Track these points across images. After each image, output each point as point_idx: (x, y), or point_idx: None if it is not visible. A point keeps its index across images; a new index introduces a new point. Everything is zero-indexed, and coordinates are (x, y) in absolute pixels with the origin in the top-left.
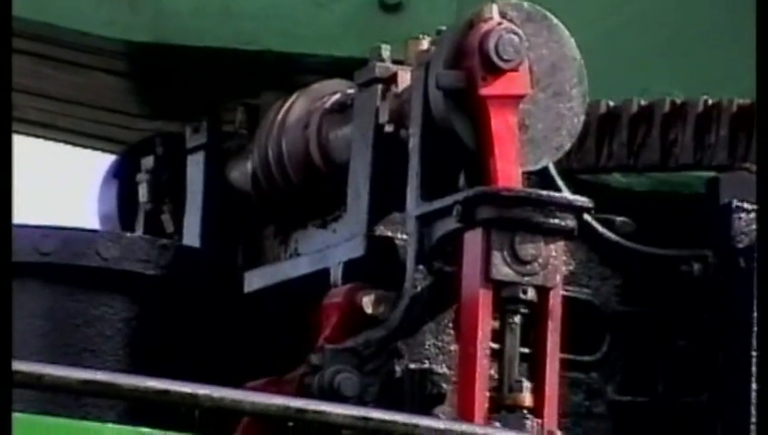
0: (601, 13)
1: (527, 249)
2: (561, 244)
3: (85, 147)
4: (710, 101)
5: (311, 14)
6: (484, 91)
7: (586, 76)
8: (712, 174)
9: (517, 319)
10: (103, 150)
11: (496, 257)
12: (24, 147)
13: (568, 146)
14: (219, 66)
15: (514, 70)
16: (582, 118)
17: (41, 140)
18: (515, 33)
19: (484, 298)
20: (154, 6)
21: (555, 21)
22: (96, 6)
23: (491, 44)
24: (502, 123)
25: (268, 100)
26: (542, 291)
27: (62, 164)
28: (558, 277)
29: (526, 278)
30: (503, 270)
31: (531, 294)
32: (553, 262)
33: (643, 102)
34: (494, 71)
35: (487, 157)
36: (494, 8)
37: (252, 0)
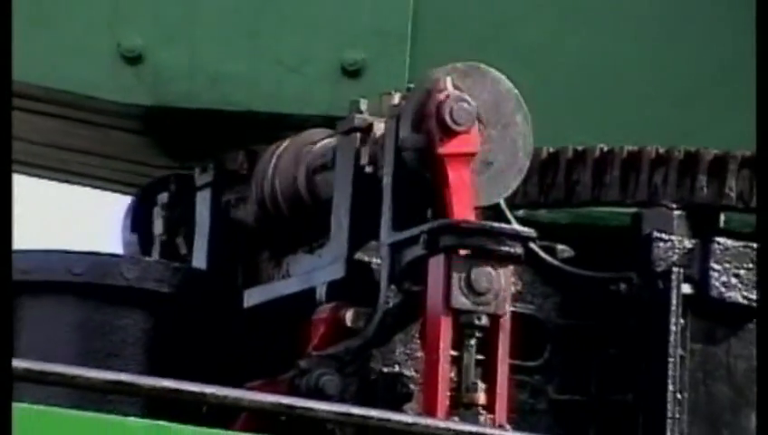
0: (526, 63)
1: (481, 281)
2: (510, 268)
3: (112, 191)
4: (605, 148)
5: (285, 78)
6: (441, 151)
7: (522, 100)
8: (633, 210)
9: (473, 341)
10: (125, 194)
11: (455, 285)
12: (62, 191)
13: (524, 172)
14: (214, 124)
15: (467, 132)
16: (531, 136)
17: (74, 186)
18: (466, 101)
19: (446, 322)
20: (153, 73)
21: (486, 68)
22: (106, 75)
23: (446, 111)
24: (457, 177)
25: (263, 146)
26: (494, 318)
27: (95, 203)
28: (507, 305)
29: (481, 308)
30: (460, 300)
31: (484, 320)
32: (503, 293)
33: (551, 150)
34: (449, 133)
35: (446, 204)
36: (448, 80)
37: (236, 65)
